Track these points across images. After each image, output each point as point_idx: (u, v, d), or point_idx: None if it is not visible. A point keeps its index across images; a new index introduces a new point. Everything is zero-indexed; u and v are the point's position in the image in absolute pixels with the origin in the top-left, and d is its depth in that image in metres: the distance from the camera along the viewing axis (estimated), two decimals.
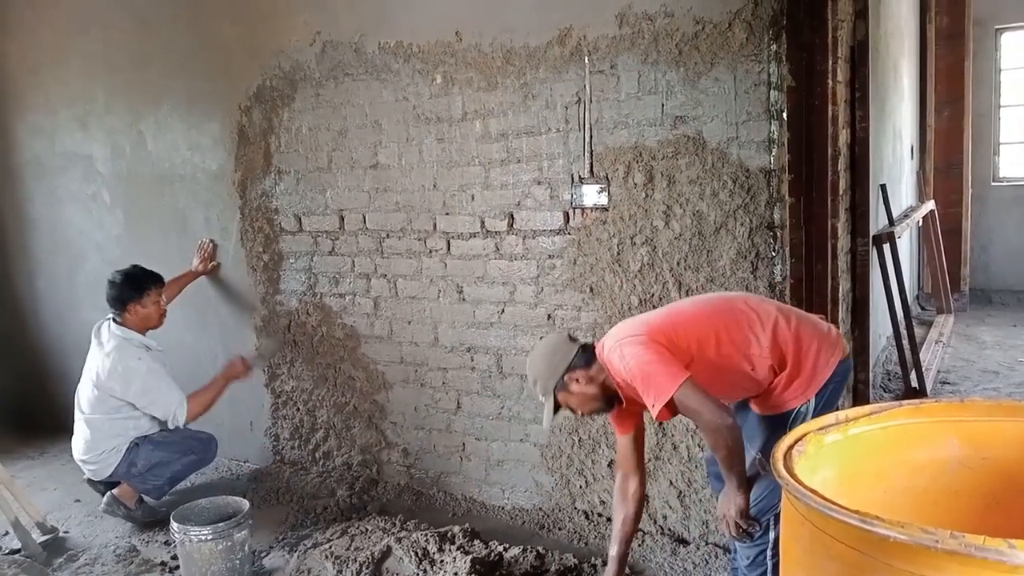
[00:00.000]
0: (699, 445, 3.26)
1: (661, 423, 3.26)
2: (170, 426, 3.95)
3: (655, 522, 3.45)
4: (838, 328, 2.72)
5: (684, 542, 3.37)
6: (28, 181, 5.28)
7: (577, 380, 2.49)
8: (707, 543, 3.31)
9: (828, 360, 2.46)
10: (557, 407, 2.54)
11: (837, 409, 2.50)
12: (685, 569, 3.19)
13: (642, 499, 2.75)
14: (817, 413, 2.42)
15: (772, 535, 2.47)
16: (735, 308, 2.52)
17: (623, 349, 2.42)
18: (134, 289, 3.97)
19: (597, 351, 2.54)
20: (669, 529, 3.44)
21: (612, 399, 2.55)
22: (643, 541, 3.40)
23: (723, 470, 2.44)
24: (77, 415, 4.03)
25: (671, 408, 2.36)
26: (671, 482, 3.38)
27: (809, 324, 2.53)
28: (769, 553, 2.51)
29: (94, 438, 3.95)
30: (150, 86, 4.57)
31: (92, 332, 4.06)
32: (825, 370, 2.45)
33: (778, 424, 2.45)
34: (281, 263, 4.31)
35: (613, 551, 2.76)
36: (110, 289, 3.99)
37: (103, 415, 3.93)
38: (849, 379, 2.99)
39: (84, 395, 4.01)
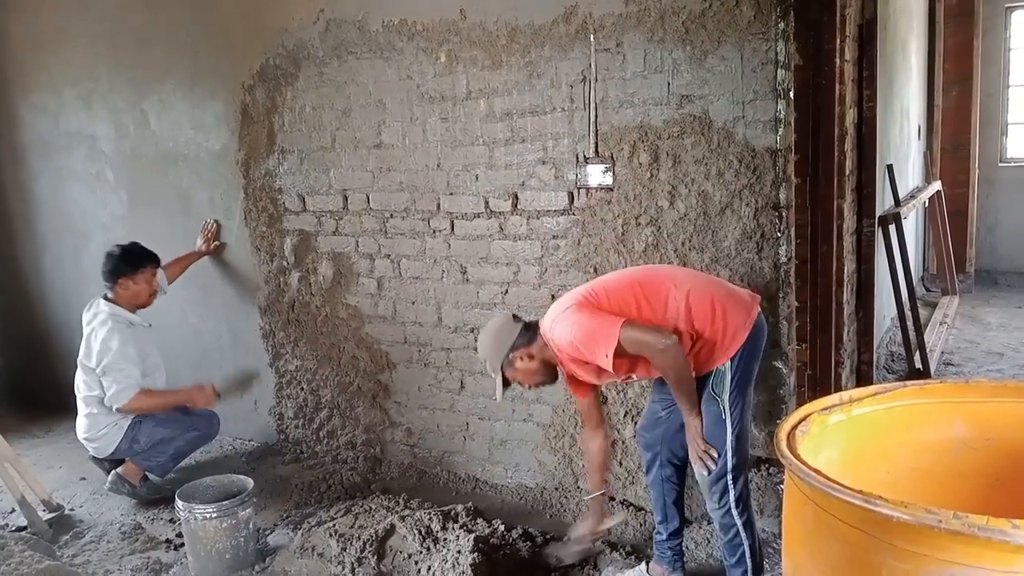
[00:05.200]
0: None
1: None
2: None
3: None
4: (758, 294, 2.82)
5: (686, 522, 3.38)
6: (32, 161, 5.28)
7: (521, 358, 2.72)
8: (709, 522, 3.32)
9: (744, 322, 2.60)
10: (507, 382, 2.79)
11: (757, 361, 2.69)
12: (687, 547, 3.20)
13: (608, 452, 3.07)
14: (736, 369, 2.60)
15: (729, 461, 2.64)
16: (655, 278, 2.68)
17: (564, 320, 2.62)
18: (129, 264, 4.00)
19: (541, 329, 2.74)
20: None
21: (554, 371, 2.79)
22: (644, 521, 3.41)
23: (675, 393, 2.62)
24: (77, 396, 4.06)
25: (625, 359, 2.55)
26: None
27: (723, 290, 2.68)
28: (730, 479, 2.66)
29: (93, 416, 3.98)
30: (153, 65, 4.55)
31: (83, 311, 4.09)
32: (741, 332, 2.60)
33: (698, 384, 2.65)
34: (285, 243, 4.30)
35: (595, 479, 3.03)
36: (107, 261, 4.02)
37: (98, 392, 3.95)
38: (767, 334, 2.95)
39: (79, 375, 4.05)
